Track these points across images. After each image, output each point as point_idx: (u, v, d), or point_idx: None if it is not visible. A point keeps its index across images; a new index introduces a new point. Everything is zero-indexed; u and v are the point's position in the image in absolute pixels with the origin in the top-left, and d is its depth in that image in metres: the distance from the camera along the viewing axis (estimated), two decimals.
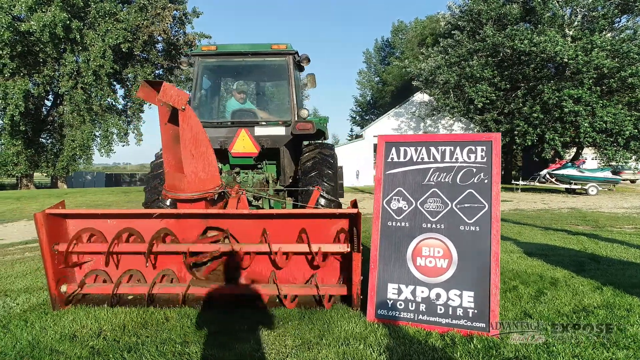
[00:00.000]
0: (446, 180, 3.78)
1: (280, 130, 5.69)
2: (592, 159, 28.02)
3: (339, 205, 5.48)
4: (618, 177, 22.54)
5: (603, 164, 24.40)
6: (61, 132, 30.22)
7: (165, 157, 4.02)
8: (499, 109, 25.19)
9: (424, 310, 3.63)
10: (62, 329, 3.61)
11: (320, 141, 6.17)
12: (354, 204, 4.07)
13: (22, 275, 5.56)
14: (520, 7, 24.86)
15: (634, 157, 23.75)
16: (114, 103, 30.01)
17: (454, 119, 28.77)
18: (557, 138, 22.78)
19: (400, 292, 3.73)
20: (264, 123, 5.70)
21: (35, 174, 32.64)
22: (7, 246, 8.05)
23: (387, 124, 31.89)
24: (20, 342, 3.39)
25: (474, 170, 3.71)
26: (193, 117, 3.89)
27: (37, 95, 26.93)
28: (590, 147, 25.77)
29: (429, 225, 3.76)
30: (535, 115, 22.64)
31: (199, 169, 4.02)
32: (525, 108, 23.30)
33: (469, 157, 3.75)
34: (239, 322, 3.73)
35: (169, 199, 5.30)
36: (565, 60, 21.39)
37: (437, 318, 3.58)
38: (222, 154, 5.77)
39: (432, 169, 3.84)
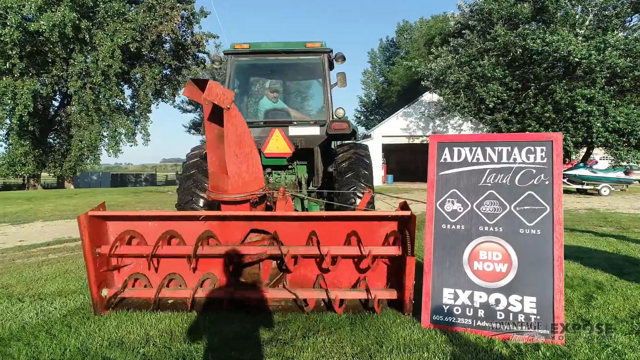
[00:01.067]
0: (504, 181, 3.65)
1: (314, 130, 5.57)
2: (602, 159, 27.84)
3: (374, 207, 5.37)
4: (630, 178, 22.35)
5: (614, 164, 24.21)
6: (69, 133, 30.17)
7: (210, 157, 3.92)
8: (510, 109, 25.02)
9: (482, 316, 3.51)
10: (109, 335, 3.50)
11: (353, 141, 6.05)
12: (405, 206, 3.95)
13: (51, 278, 5.45)
14: (532, 6, 24.69)
15: None
16: (122, 103, 29.95)
17: (463, 119, 28.62)
18: (569, 138, 22.61)
19: (456, 297, 3.61)
20: (296, 123, 5.59)
21: (41, 174, 32.63)
22: (29, 247, 7.95)
23: (396, 124, 31.73)
24: (68, 348, 3.28)
25: (534, 171, 3.58)
26: (238, 116, 3.79)
27: (45, 95, 26.88)
28: (600, 147, 25.58)
29: (486, 228, 3.63)
30: (547, 115, 22.47)
31: (242, 170, 3.91)
32: (536, 108, 23.13)
33: (527, 158, 3.62)
34: (290, 328, 3.62)
35: (202, 200, 5.20)
36: (578, 59, 21.21)
37: (497, 324, 3.46)
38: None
39: (488, 170, 3.71)
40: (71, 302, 4.39)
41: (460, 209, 3.73)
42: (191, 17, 30.63)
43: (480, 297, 3.55)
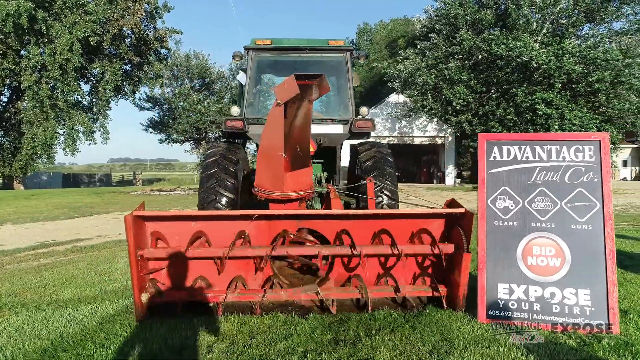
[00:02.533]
0: (554, 179, 3.78)
1: (338, 129, 5.53)
2: None
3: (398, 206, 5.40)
4: None
5: None
6: (19, 130, 28.33)
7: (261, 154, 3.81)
8: (473, 111, 25.95)
9: (538, 309, 3.62)
10: (165, 341, 3.32)
11: (374, 140, 6.05)
12: (454, 203, 4.00)
13: (60, 284, 5.10)
14: (494, 13, 25.74)
15: None
16: (80, 99, 28.48)
17: (428, 120, 29.38)
18: None
19: (511, 291, 3.70)
20: (320, 121, 5.52)
21: None
22: (13, 252, 7.40)
23: None
24: (131, 356, 3.09)
25: (583, 169, 3.73)
26: (300, 113, 3.69)
27: None
28: None
29: (538, 224, 3.75)
30: (510, 117, 23.49)
31: (301, 167, 3.84)
32: (499, 110, 24.12)
33: (576, 156, 3.76)
34: (348, 327, 3.57)
35: (225, 199, 5.04)
36: (539, 64, 22.31)
37: (553, 317, 3.57)
38: None
39: (538, 168, 3.83)
40: (100, 309, 4.12)
41: (511, 205, 3.83)
42: (154, 11, 29.59)
43: (535, 291, 3.65)
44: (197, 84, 47.23)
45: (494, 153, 3.95)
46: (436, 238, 3.95)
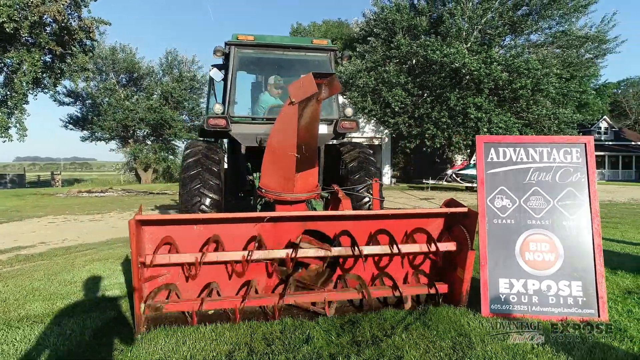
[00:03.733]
0: (546, 179, 4.04)
1: (323, 129, 5.48)
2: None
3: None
4: None
5: None
6: None
7: (271, 155, 3.69)
8: (410, 113, 27.02)
9: (536, 302, 3.85)
10: (180, 355, 3.10)
11: (348, 140, 6.06)
12: (453, 203, 4.14)
13: (22, 298, 4.58)
14: (428, 20, 27.00)
15: None
16: None
17: (365, 121, 30.11)
18: (461, 141, 25.19)
19: (511, 286, 3.90)
20: None
21: None
22: None
23: None
24: None
25: (571, 169, 4.03)
26: (309, 111, 3.62)
27: None
28: None
29: (533, 221, 3.99)
30: (444, 120, 24.76)
31: (310, 168, 3.77)
32: (434, 113, 25.34)
33: (565, 158, 4.06)
34: (361, 328, 3.56)
35: (209, 200, 4.83)
36: (470, 71, 23.74)
37: (550, 308, 3.82)
38: (255, 152, 5.39)
39: (532, 169, 4.07)
40: (87, 322, 3.75)
41: (509, 204, 4.04)
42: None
43: (533, 284, 3.88)
44: (124, 79, 44.68)
45: (491, 154, 4.14)
46: (435, 237, 4.07)
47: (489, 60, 23.91)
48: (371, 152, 5.65)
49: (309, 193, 3.76)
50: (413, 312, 3.93)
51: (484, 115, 23.66)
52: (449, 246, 3.99)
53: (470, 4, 25.92)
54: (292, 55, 5.53)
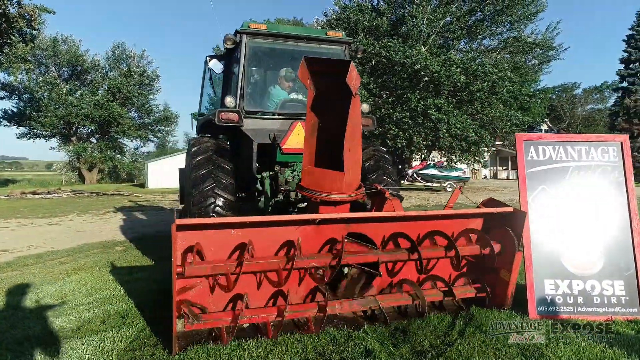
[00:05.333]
0: (586, 177, 4.01)
1: None
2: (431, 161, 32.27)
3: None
4: (468, 176, 26.59)
5: (449, 165, 28.36)
6: None
7: (311, 153, 3.39)
8: (371, 114, 27.20)
9: (581, 302, 3.79)
10: None
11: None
12: (493, 202, 4.01)
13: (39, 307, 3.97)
14: (389, 21, 27.32)
15: (472, 160, 28.22)
16: None
17: None
18: (421, 142, 25.68)
19: (557, 287, 3.83)
20: None
21: None
22: None
23: None
24: None
25: (609, 168, 4.02)
26: (358, 105, 3.36)
27: None
28: (439, 151, 29.69)
29: (575, 220, 3.93)
30: (405, 120, 25.12)
31: (357, 165, 3.49)
32: (395, 113, 25.65)
33: (603, 157, 4.04)
34: (413, 338, 3.33)
35: (222, 201, 4.42)
36: (429, 72, 24.25)
37: (595, 308, 3.78)
38: (266, 150, 5.03)
39: (571, 167, 4.03)
40: (106, 342, 3.26)
41: (550, 203, 3.96)
42: None
43: (578, 285, 3.83)
44: (66, 73, 41.93)
45: (531, 153, 4.05)
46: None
47: (448, 62, 24.52)
48: (384, 149, 5.44)
49: (356, 193, 3.48)
50: (457, 316, 3.76)
51: (443, 117, 24.23)
52: (496, 247, 3.84)
53: (429, 7, 26.49)
54: (305, 47, 5.21)
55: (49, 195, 19.44)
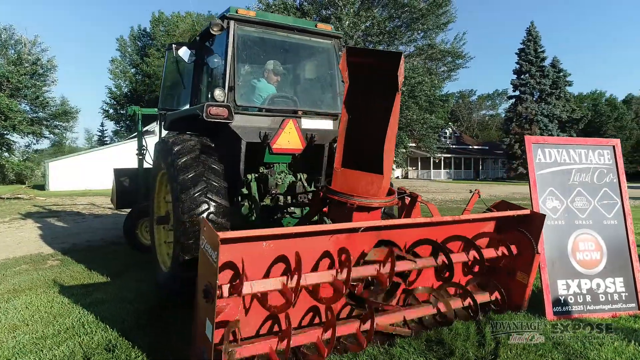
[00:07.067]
0: (586, 179, 4.16)
1: (327, 124, 4.85)
2: None
3: None
4: None
5: None
6: None
7: (342, 152, 3.09)
8: None
9: (590, 300, 3.92)
10: None
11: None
12: (506, 205, 3.99)
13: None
14: (319, 21, 27.44)
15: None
16: None
17: None
18: None
19: (568, 287, 3.92)
20: (309, 114, 4.73)
21: None
22: None
23: None
24: None
25: (605, 170, 4.22)
26: (399, 103, 3.12)
27: None
28: None
29: (580, 222, 4.07)
30: None
31: (390, 168, 3.24)
32: None
33: (599, 159, 4.23)
34: (452, 350, 3.18)
35: (214, 206, 3.92)
36: None
37: (601, 305, 3.93)
38: (254, 149, 4.57)
39: (574, 170, 4.15)
40: None
41: (558, 205, 4.05)
42: None
43: (586, 283, 3.95)
44: None
45: (539, 155, 4.12)
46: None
47: None
48: None
49: (392, 197, 3.22)
50: (480, 322, 3.67)
51: None
52: (513, 250, 3.82)
53: (352, 10, 27.03)
54: (296, 38, 4.80)
55: None
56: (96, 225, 10.35)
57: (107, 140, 65.39)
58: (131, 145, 28.10)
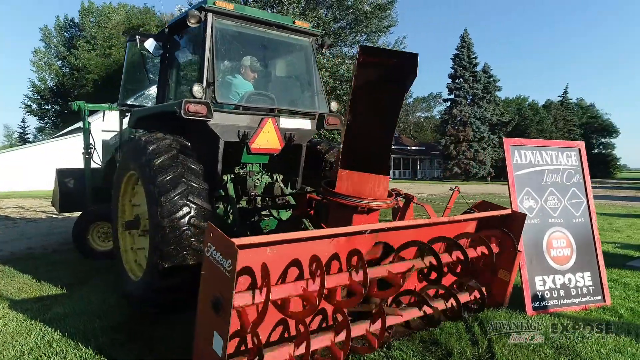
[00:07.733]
0: (557, 180, 4.39)
1: (306, 124, 4.72)
2: None
3: None
4: None
5: None
6: None
7: (347, 152, 3.02)
8: None
9: (563, 295, 4.14)
10: None
11: (318, 139, 5.43)
12: (487, 205, 4.11)
13: None
14: None
15: None
16: None
17: None
18: None
19: (544, 282, 4.10)
20: (287, 113, 4.58)
21: None
22: None
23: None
24: None
25: (572, 171, 4.47)
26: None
27: None
28: None
29: (553, 220, 4.28)
30: None
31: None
32: None
33: (567, 161, 4.48)
34: (448, 351, 3.21)
35: (195, 209, 3.71)
36: None
37: (572, 299, 4.16)
38: (232, 149, 4.37)
39: (546, 171, 4.36)
40: None
41: (534, 205, 4.24)
42: None
43: (559, 279, 4.16)
44: None
45: (516, 157, 4.28)
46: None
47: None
48: None
49: (391, 198, 3.18)
50: (467, 320, 3.75)
51: None
52: (494, 249, 3.92)
53: (298, 9, 26.98)
54: (274, 34, 4.61)
55: None
56: (31, 230, 9.46)
57: (29, 138, 60.58)
58: (63, 143, 26.09)
